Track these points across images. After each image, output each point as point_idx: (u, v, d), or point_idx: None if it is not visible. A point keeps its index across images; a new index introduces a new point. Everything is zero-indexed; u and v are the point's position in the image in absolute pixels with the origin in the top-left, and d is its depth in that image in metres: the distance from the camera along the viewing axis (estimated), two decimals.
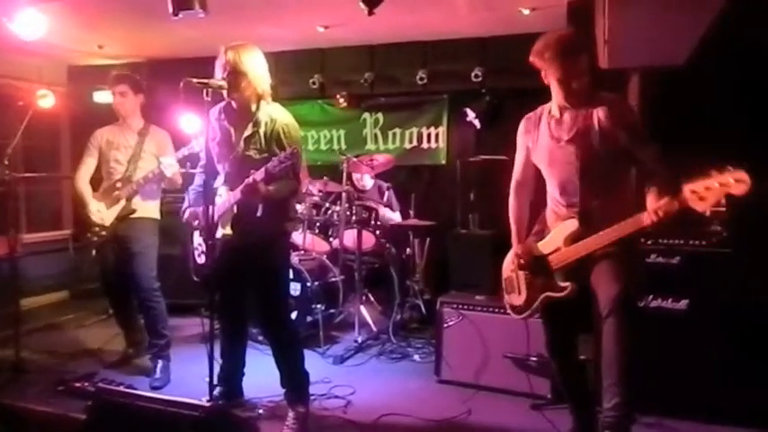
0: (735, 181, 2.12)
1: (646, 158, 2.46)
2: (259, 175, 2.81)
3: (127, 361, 4.15)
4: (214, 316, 2.89)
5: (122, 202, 3.87)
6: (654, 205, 2.32)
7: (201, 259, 3.24)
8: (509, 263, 2.90)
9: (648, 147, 2.46)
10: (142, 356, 4.11)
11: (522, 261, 2.77)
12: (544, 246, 2.70)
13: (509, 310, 2.94)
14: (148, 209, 3.97)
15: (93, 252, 3.95)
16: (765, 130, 3.44)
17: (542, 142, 2.67)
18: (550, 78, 2.57)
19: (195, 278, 3.29)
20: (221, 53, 2.95)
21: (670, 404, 3.10)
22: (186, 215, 3.22)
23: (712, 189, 2.15)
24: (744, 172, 2.11)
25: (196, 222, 3.18)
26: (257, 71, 2.98)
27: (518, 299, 2.84)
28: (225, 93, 2.95)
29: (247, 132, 3.01)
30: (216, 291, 3.06)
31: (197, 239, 3.29)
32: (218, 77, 2.92)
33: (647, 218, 2.32)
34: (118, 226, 3.88)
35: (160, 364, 3.88)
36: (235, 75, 2.91)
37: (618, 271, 2.45)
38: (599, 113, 2.50)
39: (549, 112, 2.67)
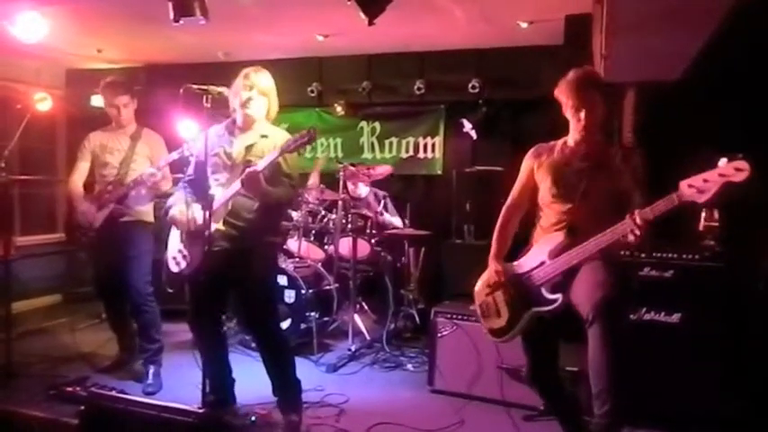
0: (735, 170, 2.13)
1: (634, 198, 2.51)
2: (262, 163, 2.84)
3: (119, 366, 4.12)
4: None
5: (112, 205, 3.85)
6: (630, 217, 2.35)
7: (177, 268, 3.17)
8: (483, 287, 2.87)
9: (642, 191, 2.52)
10: (134, 361, 4.09)
11: (501, 279, 2.76)
12: (526, 261, 2.70)
13: (488, 335, 2.89)
14: (142, 212, 3.96)
15: (83, 253, 3.94)
16: (760, 144, 3.47)
17: (552, 162, 2.72)
18: (568, 109, 2.65)
19: (169, 289, 3.23)
20: (244, 73, 3.05)
21: (662, 417, 3.11)
22: (170, 213, 3.16)
23: (711, 180, 2.18)
24: (743, 160, 2.13)
25: (184, 219, 3.09)
26: (274, 95, 3.12)
27: (498, 321, 2.80)
28: (238, 113, 3.04)
29: (249, 142, 3.06)
30: (189, 297, 3.06)
31: (175, 246, 3.22)
32: (242, 98, 3.02)
33: (629, 224, 2.34)
34: (111, 229, 3.85)
35: (152, 369, 3.86)
36: (256, 97, 3.03)
37: (600, 278, 2.46)
38: (616, 155, 2.60)
39: (565, 142, 2.74)
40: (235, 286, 3.12)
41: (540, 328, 2.65)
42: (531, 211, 2.83)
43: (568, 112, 2.66)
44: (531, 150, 2.83)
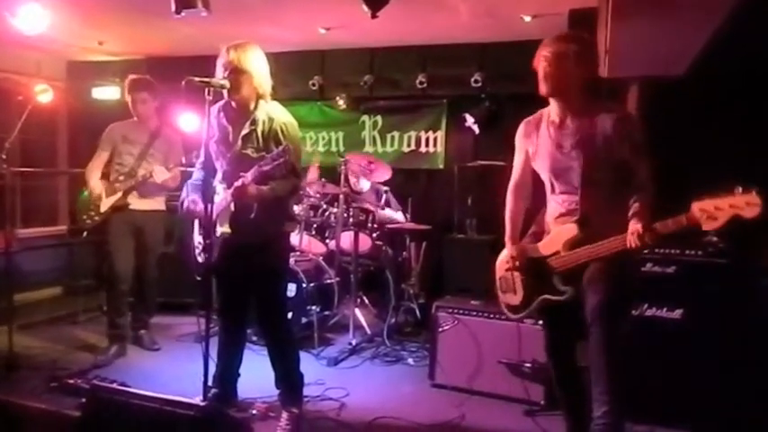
0: (746, 204, 2.09)
1: (638, 170, 2.45)
2: (250, 175, 2.81)
3: (117, 357, 4.17)
4: (210, 315, 2.87)
5: (119, 194, 4.09)
6: (634, 227, 2.30)
7: (201, 258, 3.22)
8: (503, 262, 2.88)
9: (644, 160, 2.45)
10: (126, 354, 4.24)
11: (516, 263, 2.77)
12: (543, 247, 2.70)
13: (504, 310, 2.93)
14: (160, 202, 4.28)
15: (85, 234, 4.23)
16: (764, 141, 3.46)
17: (543, 148, 2.66)
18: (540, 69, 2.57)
19: (198, 277, 3.26)
20: (223, 52, 2.94)
21: (663, 413, 3.11)
22: (185, 205, 3.15)
23: (723, 210, 2.12)
24: (755, 194, 2.08)
25: (198, 208, 3.08)
26: (258, 71, 2.98)
27: (514, 299, 2.84)
28: (225, 92, 2.95)
29: (245, 131, 3.01)
30: (217, 290, 3.05)
31: (197, 237, 3.27)
32: (220, 76, 2.92)
33: (630, 241, 2.30)
34: (136, 216, 4.14)
35: (145, 333, 4.39)
36: (236, 74, 2.90)
37: (604, 279, 2.46)
38: (605, 122, 2.50)
39: (549, 117, 2.68)
40: (249, 277, 3.12)
41: (556, 307, 2.65)
42: (537, 189, 2.79)
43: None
44: (521, 128, 2.79)
